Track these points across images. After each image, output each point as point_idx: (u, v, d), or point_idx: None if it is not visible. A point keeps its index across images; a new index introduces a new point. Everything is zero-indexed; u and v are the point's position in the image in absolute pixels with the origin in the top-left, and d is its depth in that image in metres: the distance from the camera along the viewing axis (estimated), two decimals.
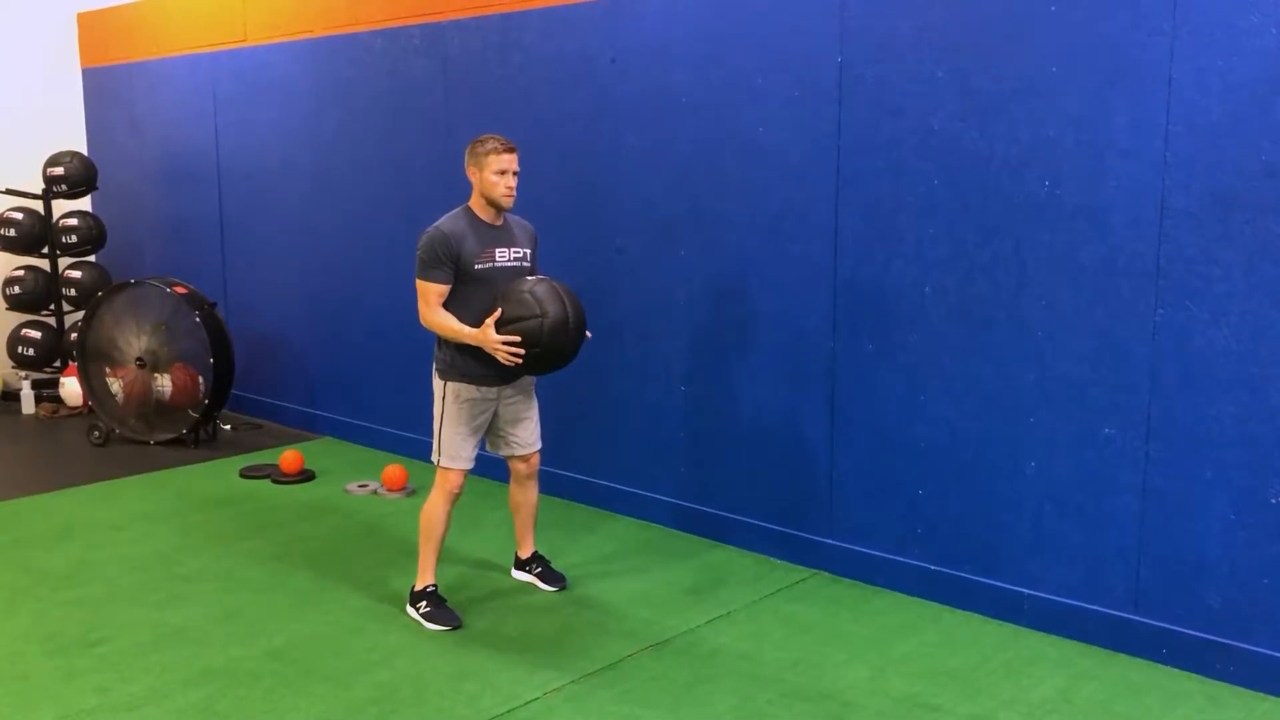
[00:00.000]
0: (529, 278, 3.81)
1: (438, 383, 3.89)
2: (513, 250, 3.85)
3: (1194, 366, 3.44)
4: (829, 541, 4.37)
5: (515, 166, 3.80)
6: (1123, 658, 3.63)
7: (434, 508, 3.92)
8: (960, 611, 4.00)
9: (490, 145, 3.76)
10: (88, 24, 7.93)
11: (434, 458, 3.91)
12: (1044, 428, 3.76)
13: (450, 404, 3.84)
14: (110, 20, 7.70)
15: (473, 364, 3.80)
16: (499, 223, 3.85)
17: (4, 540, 4.78)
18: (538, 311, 3.65)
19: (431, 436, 3.92)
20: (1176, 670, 3.54)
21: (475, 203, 3.83)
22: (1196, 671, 3.51)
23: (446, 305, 3.77)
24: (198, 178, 7.14)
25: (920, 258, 3.98)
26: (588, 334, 3.84)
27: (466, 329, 3.71)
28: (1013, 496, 3.87)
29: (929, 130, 3.91)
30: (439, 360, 3.88)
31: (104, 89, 7.86)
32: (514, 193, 3.80)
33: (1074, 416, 3.70)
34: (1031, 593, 3.85)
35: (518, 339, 3.63)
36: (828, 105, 4.16)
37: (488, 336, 3.66)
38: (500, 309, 3.68)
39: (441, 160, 5.58)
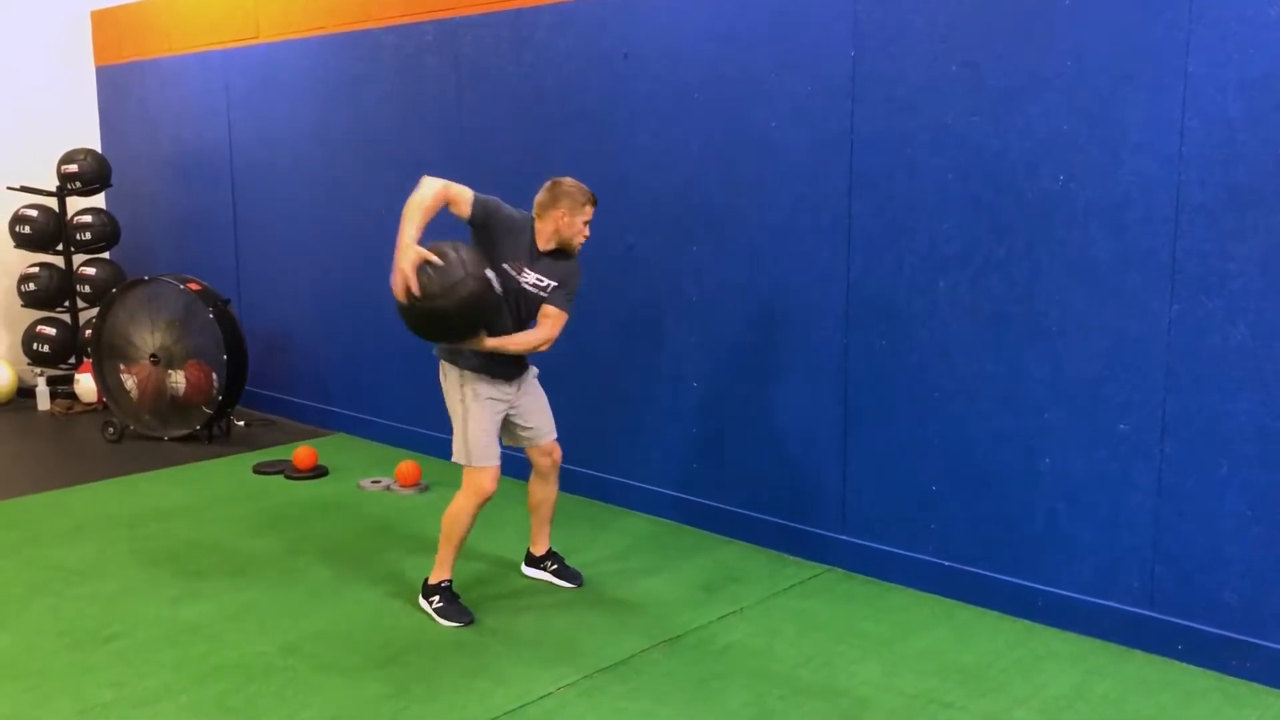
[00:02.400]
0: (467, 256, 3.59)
1: (454, 378, 3.82)
2: (537, 277, 3.81)
3: (1209, 363, 3.42)
4: (841, 538, 4.37)
5: None
6: (1138, 655, 3.62)
7: (461, 510, 3.84)
8: (974, 608, 3.98)
9: (588, 195, 3.80)
10: (101, 22, 7.95)
11: (459, 459, 3.83)
12: (1058, 424, 3.75)
13: (470, 401, 3.79)
14: (123, 18, 7.73)
15: (486, 356, 3.78)
16: (543, 252, 3.82)
17: (20, 536, 4.80)
18: (459, 275, 3.49)
19: (451, 436, 3.84)
20: (1192, 667, 3.52)
21: (542, 229, 3.80)
22: (1213, 668, 3.50)
23: None
24: (211, 175, 7.16)
25: (933, 254, 3.97)
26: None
27: (407, 230, 3.51)
28: (1026, 493, 3.85)
29: (942, 126, 3.89)
30: (448, 351, 3.81)
31: (117, 86, 7.89)
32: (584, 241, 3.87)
33: (1088, 413, 3.68)
34: (1045, 589, 3.84)
35: (415, 292, 3.45)
36: (840, 101, 4.15)
37: (406, 256, 3.46)
38: (437, 258, 3.48)
39: (454, 157, 5.58)
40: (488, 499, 3.84)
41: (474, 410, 3.80)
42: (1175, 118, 3.40)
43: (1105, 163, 3.55)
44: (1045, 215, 3.69)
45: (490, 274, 3.64)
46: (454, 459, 3.86)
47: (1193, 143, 3.38)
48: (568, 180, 3.83)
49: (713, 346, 4.68)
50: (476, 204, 3.72)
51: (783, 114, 4.32)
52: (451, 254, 3.56)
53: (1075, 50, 3.58)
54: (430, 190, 3.65)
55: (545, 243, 3.81)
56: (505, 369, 3.84)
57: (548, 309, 3.81)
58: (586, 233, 3.85)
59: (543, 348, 3.82)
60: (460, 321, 3.58)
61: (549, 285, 3.82)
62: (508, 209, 3.79)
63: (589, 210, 3.82)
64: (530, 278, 3.80)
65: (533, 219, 3.83)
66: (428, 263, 3.49)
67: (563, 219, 3.78)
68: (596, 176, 4.94)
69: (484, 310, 3.62)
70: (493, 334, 3.73)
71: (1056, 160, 3.65)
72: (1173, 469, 3.53)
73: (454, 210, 3.72)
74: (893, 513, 4.22)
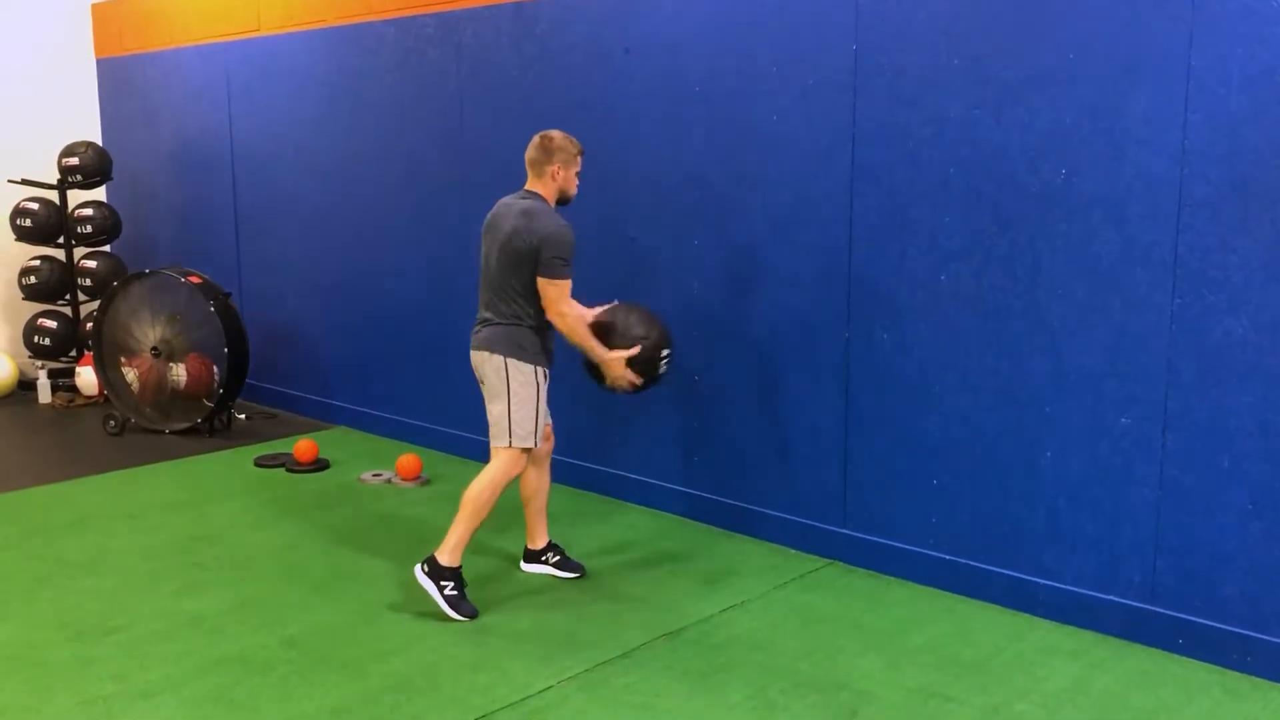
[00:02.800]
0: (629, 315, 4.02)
1: (520, 367, 3.86)
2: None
3: (1211, 357, 3.42)
4: (843, 531, 4.37)
5: None
6: (1139, 649, 3.62)
7: (496, 488, 3.89)
8: (975, 602, 3.99)
9: (579, 147, 3.96)
10: (101, 15, 7.94)
11: (503, 441, 3.87)
12: (1060, 419, 3.75)
13: (537, 383, 3.90)
14: (124, 10, 7.72)
15: (547, 347, 3.95)
16: None
17: (21, 529, 4.81)
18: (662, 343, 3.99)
19: (503, 423, 3.88)
20: (1193, 661, 3.53)
21: (549, 194, 3.92)
22: (1214, 663, 3.50)
23: (531, 293, 3.84)
24: (212, 167, 7.16)
25: (935, 248, 3.97)
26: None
27: (598, 345, 3.91)
28: (1028, 487, 3.85)
29: (945, 119, 3.89)
30: (517, 345, 3.87)
31: (118, 79, 7.88)
32: None
33: (1090, 407, 3.68)
34: (1047, 583, 3.84)
35: (639, 381, 3.94)
36: (842, 95, 4.14)
37: (616, 364, 3.90)
38: (638, 347, 3.91)
39: (454, 149, 5.58)
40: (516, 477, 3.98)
41: (529, 393, 3.89)
42: (1178, 112, 3.40)
43: (1108, 157, 3.55)
44: (1047, 209, 3.69)
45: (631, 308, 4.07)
46: (508, 443, 3.87)
47: (1195, 137, 3.37)
48: (557, 134, 3.94)
49: (714, 339, 4.68)
50: (570, 271, 3.87)
51: (785, 107, 4.32)
52: (631, 328, 3.96)
53: (1078, 44, 3.57)
54: (578, 320, 3.90)
55: (553, 203, 3.94)
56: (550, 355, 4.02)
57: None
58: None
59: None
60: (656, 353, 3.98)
61: None
62: (569, 227, 3.86)
63: (579, 162, 3.97)
64: None
65: (533, 200, 3.88)
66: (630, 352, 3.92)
67: (559, 172, 3.90)
68: (598, 169, 4.94)
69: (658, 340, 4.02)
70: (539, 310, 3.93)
71: (1059, 154, 3.64)
72: (1174, 463, 3.53)
73: None
74: (894, 506, 4.22)
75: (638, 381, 3.94)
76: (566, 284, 3.83)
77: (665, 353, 3.98)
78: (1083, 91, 3.57)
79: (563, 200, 3.97)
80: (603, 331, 3.93)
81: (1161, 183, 3.45)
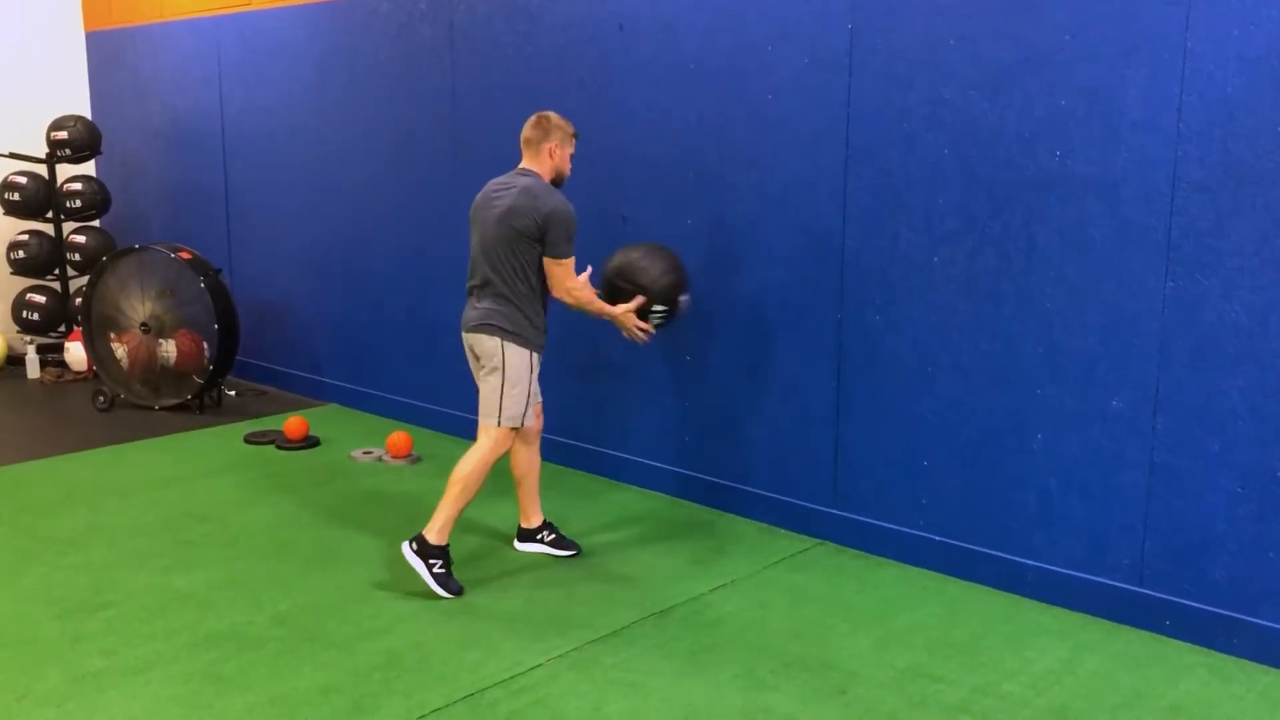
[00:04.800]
0: (633, 252, 4.17)
1: (518, 351, 3.87)
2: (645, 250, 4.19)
3: (1203, 341, 3.42)
4: (834, 512, 4.38)
5: None
6: (1127, 630, 3.64)
7: (484, 467, 3.89)
8: (964, 583, 4.00)
9: (574, 131, 4.02)
10: None
11: (492, 420, 3.88)
12: (1051, 401, 3.75)
13: (530, 370, 3.91)
14: None
15: (543, 334, 3.97)
16: None
17: (9, 505, 4.79)
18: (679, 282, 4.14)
19: (493, 401, 3.88)
20: (1181, 643, 3.55)
21: (545, 173, 3.94)
22: (1201, 644, 3.52)
23: (529, 272, 3.86)
24: (202, 143, 7.11)
25: (929, 230, 3.96)
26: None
27: (606, 305, 4.02)
28: (1019, 469, 3.86)
29: (940, 100, 3.87)
30: (515, 328, 3.87)
31: (108, 53, 7.82)
32: None
33: (1082, 390, 3.68)
34: (1036, 565, 3.85)
35: (650, 328, 4.07)
36: (838, 74, 4.12)
37: (628, 318, 4.02)
38: (640, 297, 4.01)
39: (447, 126, 5.55)
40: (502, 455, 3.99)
41: (528, 377, 3.91)
42: (1174, 94, 3.39)
43: (1103, 139, 3.54)
44: (1042, 191, 3.68)
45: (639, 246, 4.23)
46: (497, 421, 3.87)
47: (1191, 119, 3.37)
48: (554, 114, 3.98)
49: (706, 319, 4.67)
50: (571, 249, 3.89)
51: (779, 86, 4.29)
52: (643, 273, 4.08)
53: (1074, 25, 3.56)
54: (585, 294, 3.99)
55: (547, 179, 3.96)
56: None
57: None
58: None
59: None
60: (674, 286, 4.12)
61: None
62: (569, 205, 3.88)
63: (574, 144, 4.03)
64: None
65: (530, 179, 3.88)
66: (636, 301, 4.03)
67: (556, 151, 3.94)
68: (592, 148, 4.92)
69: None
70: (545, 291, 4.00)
71: (1054, 136, 3.63)
72: (1165, 446, 3.54)
73: None
74: (885, 487, 4.22)
75: (651, 329, 4.09)
76: (571, 262, 3.87)
77: (682, 297, 4.14)
78: (1079, 74, 3.56)
79: (557, 180, 3.97)
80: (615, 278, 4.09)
81: (1156, 166, 3.44)
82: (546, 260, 3.84)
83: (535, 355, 3.94)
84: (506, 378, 3.86)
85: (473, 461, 3.89)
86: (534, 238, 3.80)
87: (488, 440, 3.90)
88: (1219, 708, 3.17)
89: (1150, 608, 3.62)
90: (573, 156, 4.02)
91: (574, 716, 3.09)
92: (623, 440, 5.09)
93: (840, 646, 3.53)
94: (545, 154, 3.91)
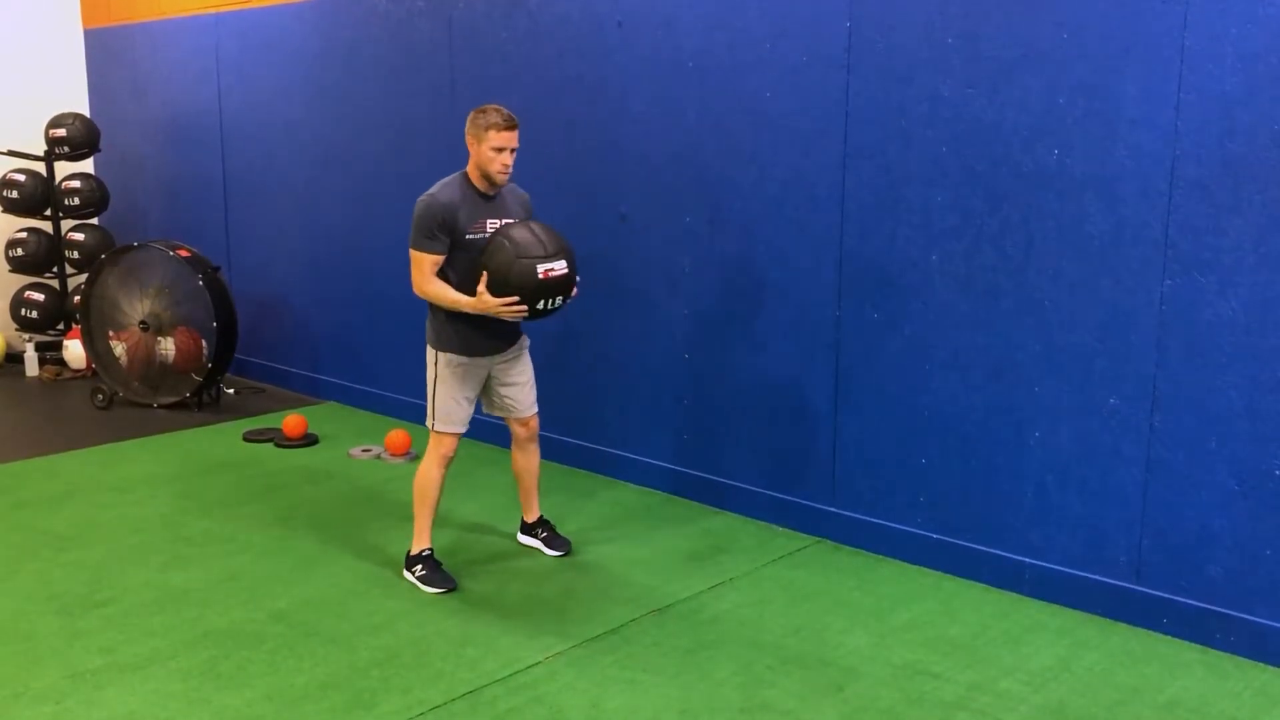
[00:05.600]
0: (501, 224, 3.77)
1: (430, 351, 3.90)
2: (505, 221, 3.80)
3: (1200, 338, 3.43)
4: (831, 509, 4.38)
5: (514, 144, 3.73)
6: (1123, 627, 3.64)
7: (428, 472, 3.93)
8: (962, 580, 4.00)
9: (492, 119, 3.68)
10: None
11: (428, 422, 3.92)
12: (1049, 398, 3.76)
13: (443, 369, 3.86)
14: None
15: (466, 334, 3.81)
16: (493, 193, 3.81)
17: (7, 502, 4.79)
18: (516, 253, 3.61)
19: (428, 405, 3.92)
20: (1177, 640, 3.55)
21: (472, 171, 3.79)
22: (1197, 642, 3.52)
23: (440, 274, 3.76)
24: (201, 140, 7.11)
25: (927, 227, 3.96)
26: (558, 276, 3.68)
27: (464, 298, 3.70)
28: (1016, 466, 3.86)
29: (938, 98, 3.87)
30: (429, 330, 3.89)
31: (106, 50, 7.81)
32: (509, 170, 3.76)
33: (1079, 387, 3.69)
34: (1033, 562, 3.85)
35: (515, 298, 3.61)
36: (836, 72, 4.12)
37: (485, 302, 3.65)
38: (485, 270, 3.64)
39: (445, 123, 5.54)
40: (450, 461, 3.93)
41: (443, 376, 3.87)
42: (1171, 92, 3.39)
43: (1101, 136, 3.54)
44: (1040, 188, 3.68)
45: (514, 220, 3.75)
46: (434, 426, 3.91)
47: (1189, 117, 3.37)
48: (484, 107, 3.76)
49: (705, 317, 4.67)
50: (440, 246, 3.71)
51: (778, 84, 4.30)
52: (503, 242, 3.65)
53: (1072, 23, 3.56)
54: (432, 288, 3.74)
55: (479, 183, 3.79)
56: (486, 343, 3.87)
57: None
58: (504, 160, 3.71)
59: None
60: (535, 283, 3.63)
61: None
62: (439, 199, 3.71)
63: (494, 137, 3.67)
64: (500, 225, 3.78)
65: (459, 174, 3.81)
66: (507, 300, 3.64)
67: (473, 149, 3.73)
68: (589, 145, 4.92)
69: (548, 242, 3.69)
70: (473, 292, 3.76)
71: (1052, 133, 3.63)
72: (1162, 443, 3.54)
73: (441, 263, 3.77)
74: (882, 485, 4.23)
75: (517, 303, 3.63)
76: (421, 256, 3.70)
77: (546, 269, 3.65)
78: (1077, 71, 3.56)
79: (486, 179, 3.76)
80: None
81: (1154, 163, 3.45)
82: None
83: (451, 357, 3.84)
84: (434, 378, 3.89)
85: (420, 471, 3.96)
86: None
87: (429, 448, 3.94)
88: (1215, 704, 3.18)
89: (1147, 605, 3.62)
90: (503, 150, 3.69)
91: (572, 713, 3.09)
92: (620, 437, 5.09)
93: (838, 643, 3.53)
94: (470, 155, 3.76)
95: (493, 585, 3.95)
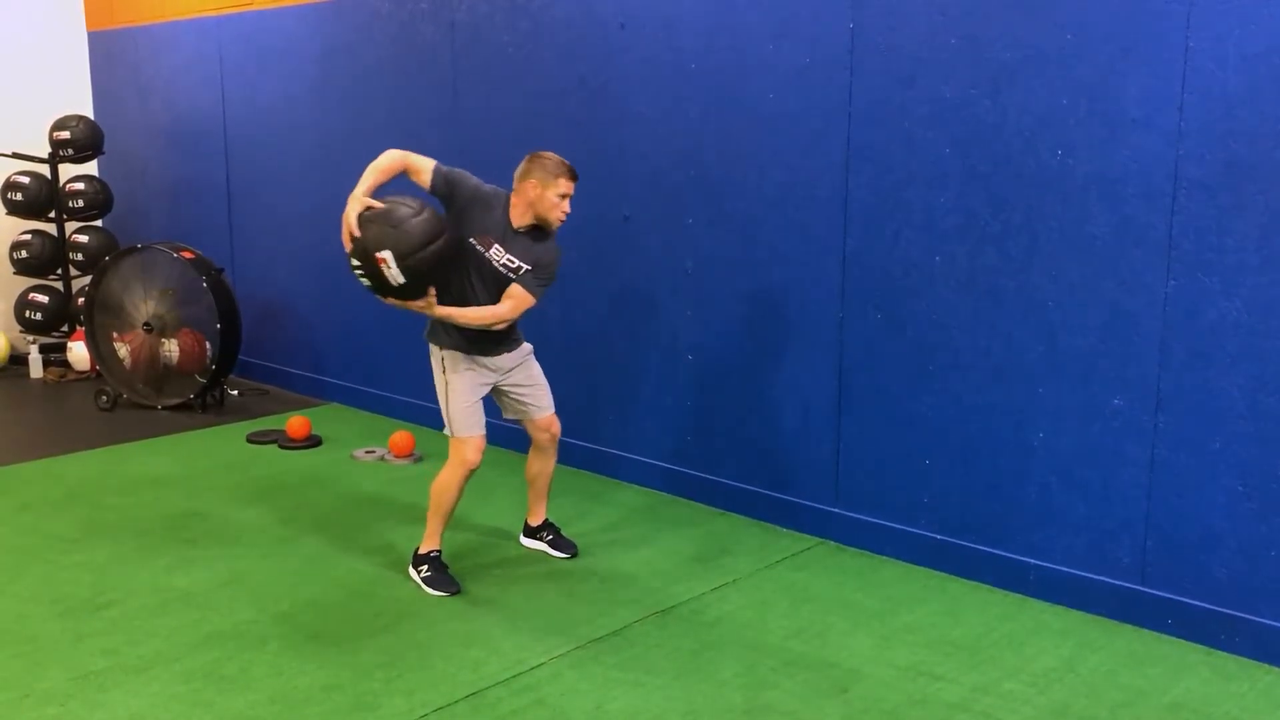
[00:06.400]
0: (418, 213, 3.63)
1: (434, 350, 3.86)
2: (509, 257, 3.73)
3: (1204, 339, 3.42)
4: (834, 511, 4.38)
5: (571, 194, 3.75)
6: (1128, 629, 3.64)
7: (449, 481, 3.86)
8: (966, 581, 4.00)
9: (564, 168, 3.70)
10: None
11: (446, 430, 3.86)
12: (1052, 399, 3.75)
13: (450, 369, 3.83)
14: None
15: (456, 331, 3.80)
16: (520, 228, 3.75)
17: (12, 503, 4.80)
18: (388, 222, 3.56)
19: (440, 407, 3.89)
20: (1182, 641, 3.54)
21: (517, 202, 3.73)
22: (1202, 643, 3.52)
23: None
24: (204, 142, 7.12)
25: (930, 228, 3.96)
26: (387, 266, 3.57)
27: (360, 184, 3.65)
28: (1020, 467, 3.86)
29: (941, 99, 3.87)
30: (429, 325, 3.87)
31: (110, 52, 7.82)
32: (564, 220, 3.76)
33: (1082, 388, 3.68)
34: (1037, 563, 3.85)
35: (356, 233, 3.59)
36: (839, 73, 4.12)
37: (352, 205, 3.62)
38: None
39: (448, 126, 5.55)
40: (473, 470, 3.85)
41: (454, 383, 3.83)
42: (1174, 92, 3.38)
43: (1103, 137, 3.53)
44: (1042, 190, 3.68)
45: (440, 226, 3.62)
46: (453, 432, 3.86)
47: (1191, 118, 3.36)
48: (547, 153, 3.74)
49: (708, 319, 4.67)
50: (437, 174, 3.72)
51: (780, 85, 4.29)
52: (402, 206, 3.60)
53: (1075, 24, 3.55)
54: (388, 156, 3.74)
55: (520, 218, 3.74)
56: (486, 346, 3.83)
57: (514, 289, 3.73)
58: (565, 208, 3.73)
59: (496, 326, 3.75)
60: (405, 265, 3.52)
61: (520, 267, 3.74)
62: (475, 181, 3.75)
63: (564, 184, 3.69)
64: (502, 257, 3.72)
65: (507, 195, 3.77)
66: (370, 209, 3.58)
67: (534, 190, 3.69)
68: (592, 146, 4.92)
69: (428, 259, 3.55)
70: (451, 302, 3.71)
71: (1054, 134, 3.63)
72: (1166, 444, 3.54)
73: (415, 180, 3.75)
74: (886, 486, 4.22)
75: (355, 232, 3.63)
76: (424, 162, 3.76)
77: (355, 264, 3.64)
78: (1079, 72, 3.56)
79: (541, 222, 3.74)
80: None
81: (1157, 164, 3.44)
82: None
83: (455, 353, 3.81)
84: (445, 384, 3.84)
85: (441, 477, 3.90)
86: None
87: (450, 455, 3.88)
88: (1220, 706, 3.17)
89: (1152, 606, 3.61)
90: (566, 197, 3.71)
91: (575, 715, 3.09)
92: (623, 439, 5.09)
93: (841, 645, 3.53)
94: (524, 193, 3.71)
95: (496, 586, 3.95)
